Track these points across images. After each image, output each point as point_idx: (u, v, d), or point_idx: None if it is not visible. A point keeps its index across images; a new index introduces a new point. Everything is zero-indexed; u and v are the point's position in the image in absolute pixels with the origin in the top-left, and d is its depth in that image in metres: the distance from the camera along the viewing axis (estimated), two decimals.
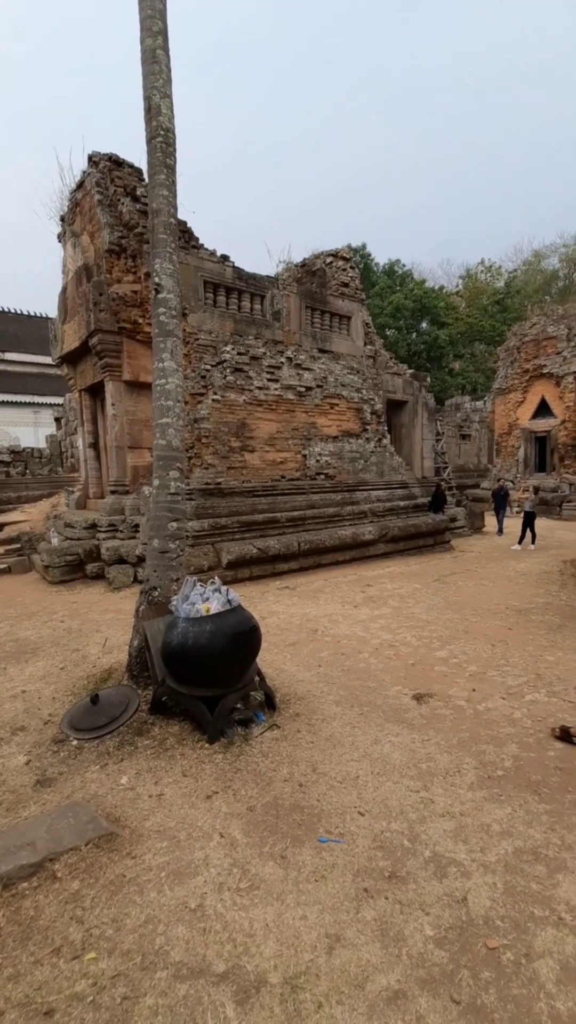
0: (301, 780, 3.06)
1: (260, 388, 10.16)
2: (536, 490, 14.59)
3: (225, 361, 9.79)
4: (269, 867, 2.39)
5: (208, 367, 9.60)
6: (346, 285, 12.58)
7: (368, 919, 2.09)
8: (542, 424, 21.47)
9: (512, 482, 20.93)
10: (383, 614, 6.67)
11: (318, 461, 11.09)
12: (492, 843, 2.52)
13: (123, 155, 10.15)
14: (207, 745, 3.43)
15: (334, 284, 12.34)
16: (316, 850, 2.49)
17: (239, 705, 3.73)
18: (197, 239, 10.07)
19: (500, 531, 14.47)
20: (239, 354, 10.01)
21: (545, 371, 20.95)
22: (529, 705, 4.01)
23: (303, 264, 12.97)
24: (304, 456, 10.91)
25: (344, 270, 12.68)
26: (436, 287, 38.78)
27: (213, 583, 3.98)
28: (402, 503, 12.03)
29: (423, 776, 3.09)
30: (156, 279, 4.49)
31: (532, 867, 2.36)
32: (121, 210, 9.68)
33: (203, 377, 9.52)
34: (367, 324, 13.39)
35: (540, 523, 14.53)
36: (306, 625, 6.24)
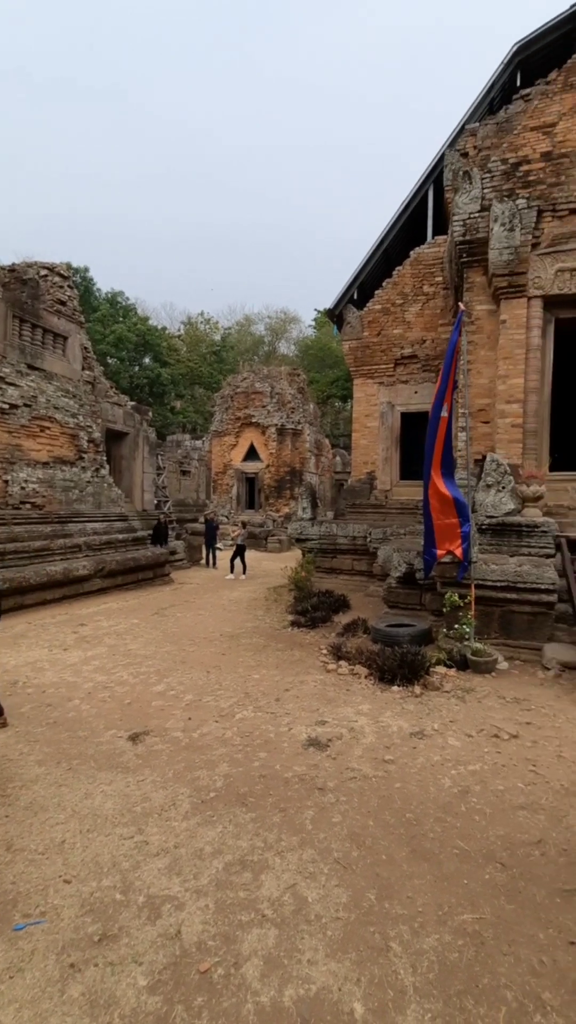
0: None
1: None
2: (244, 525, 16.29)
3: None
4: None
5: None
6: (63, 303, 11.90)
7: (75, 996, 1.88)
8: (252, 466, 24.21)
9: (227, 517, 22.81)
10: (98, 654, 6.29)
11: (23, 488, 9.92)
12: (205, 866, 2.59)
13: None
14: None
15: (49, 299, 11.52)
16: (11, 942, 2.12)
17: None
18: None
19: (210, 563, 15.20)
20: None
21: (254, 420, 23.84)
22: (239, 724, 4.34)
23: (12, 269, 11.71)
24: (6, 482, 9.62)
25: (61, 287, 11.99)
26: (160, 326, 40.20)
27: None
28: (121, 536, 11.73)
29: (138, 819, 2.99)
30: None
31: (240, 876, 2.52)
32: None
33: None
34: (86, 348, 12.88)
35: (250, 555, 16.15)
36: (2, 678, 5.38)
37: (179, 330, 45.16)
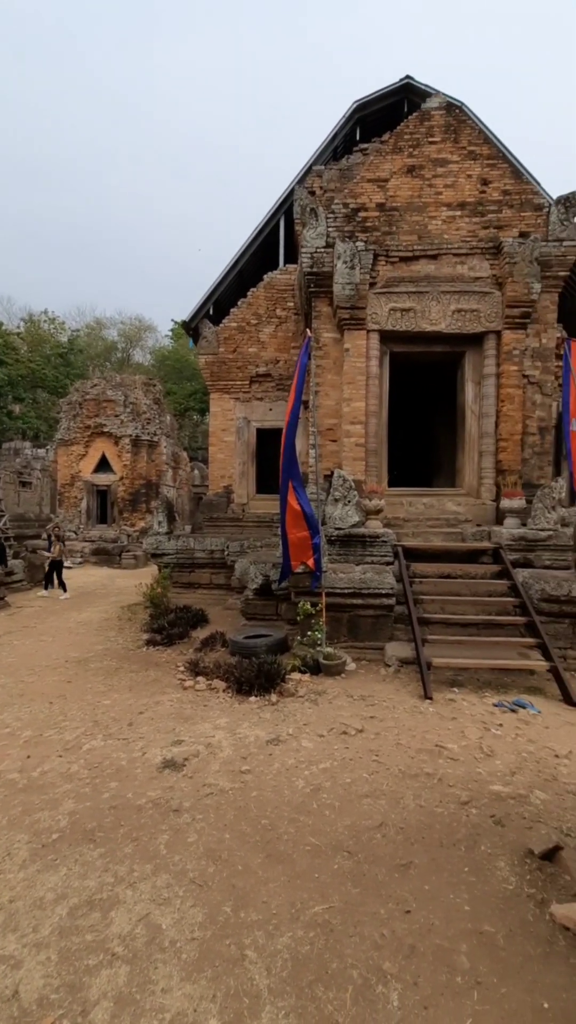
0: None
1: None
2: (61, 539, 15.16)
3: None
4: None
5: None
6: None
7: None
8: (103, 478, 22.85)
9: (75, 532, 21.19)
10: None
11: None
12: (46, 915, 2.37)
13: None
14: None
15: None
16: None
17: None
18: None
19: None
20: None
21: (105, 430, 22.58)
22: (87, 755, 4.04)
23: None
24: None
25: None
26: None
27: None
28: None
29: None
30: None
31: (87, 918, 2.35)
32: None
33: None
34: None
35: (103, 571, 15.27)
36: None
37: (19, 327, 41.09)
